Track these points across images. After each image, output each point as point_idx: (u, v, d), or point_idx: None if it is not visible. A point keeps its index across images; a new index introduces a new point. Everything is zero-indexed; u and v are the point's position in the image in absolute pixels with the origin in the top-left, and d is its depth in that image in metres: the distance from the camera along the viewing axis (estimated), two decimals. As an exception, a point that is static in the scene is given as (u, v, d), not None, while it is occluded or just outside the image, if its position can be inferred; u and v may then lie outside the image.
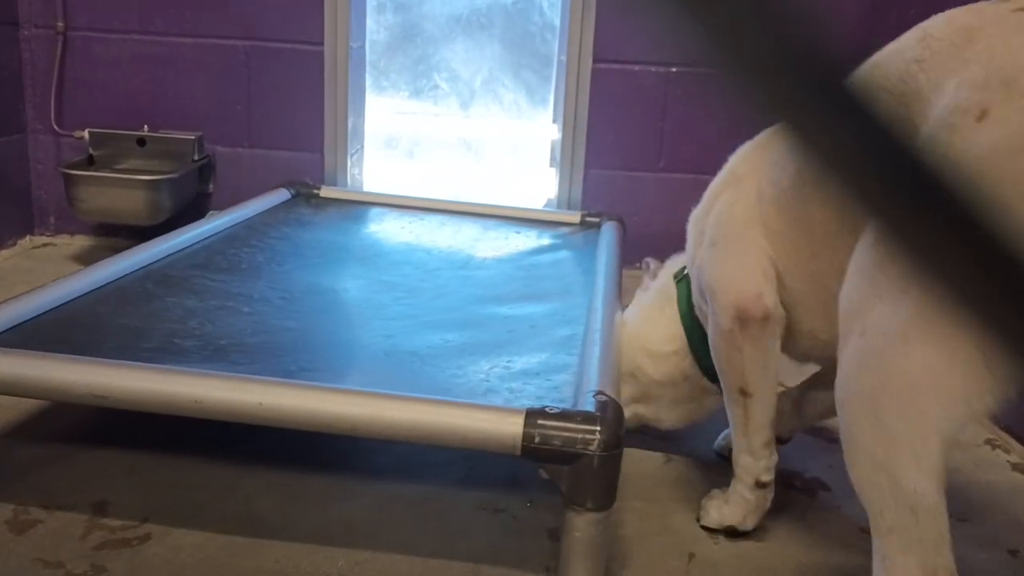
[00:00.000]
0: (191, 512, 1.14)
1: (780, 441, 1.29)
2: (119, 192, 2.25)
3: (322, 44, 2.34)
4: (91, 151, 2.36)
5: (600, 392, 1.03)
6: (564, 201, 2.40)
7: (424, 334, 1.34)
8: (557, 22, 2.51)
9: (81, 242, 2.46)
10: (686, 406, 1.34)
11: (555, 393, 1.11)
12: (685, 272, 1.29)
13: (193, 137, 2.36)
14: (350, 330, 1.37)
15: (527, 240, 1.99)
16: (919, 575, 0.81)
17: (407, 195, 2.26)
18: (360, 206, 2.19)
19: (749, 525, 1.17)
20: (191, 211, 2.35)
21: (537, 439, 0.94)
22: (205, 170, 2.43)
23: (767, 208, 1.10)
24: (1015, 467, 1.44)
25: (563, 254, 1.87)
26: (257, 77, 2.38)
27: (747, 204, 1.14)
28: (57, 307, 1.29)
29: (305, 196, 2.21)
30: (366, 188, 2.58)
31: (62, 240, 2.48)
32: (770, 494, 1.17)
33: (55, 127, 2.40)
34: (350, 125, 2.41)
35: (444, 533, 1.13)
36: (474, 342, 1.31)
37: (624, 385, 1.31)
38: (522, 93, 2.73)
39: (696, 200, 1.24)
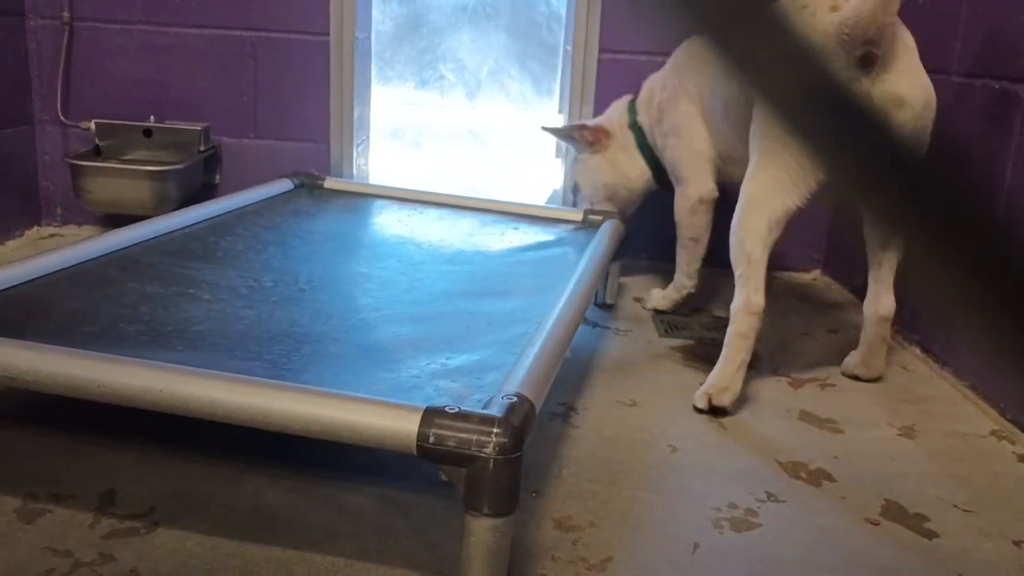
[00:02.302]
0: (199, 502, 1.15)
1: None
2: (125, 183, 2.26)
3: (328, 35, 2.34)
4: (98, 142, 2.37)
5: (515, 395, 1.00)
6: (570, 191, 2.40)
7: (379, 327, 1.33)
8: (563, 12, 2.50)
9: (88, 233, 2.47)
10: (632, 203, 2.19)
11: (478, 392, 1.08)
12: (637, 125, 2.07)
13: (199, 128, 2.36)
14: (304, 321, 1.34)
15: (522, 236, 1.95)
16: (741, 300, 1.56)
17: (412, 188, 2.23)
18: (362, 198, 2.16)
19: (666, 306, 2.07)
20: (197, 202, 2.36)
21: (432, 439, 0.92)
22: (211, 161, 2.43)
23: (713, 107, 1.84)
24: (1020, 458, 1.44)
25: (553, 251, 1.84)
26: (263, 68, 2.38)
27: (694, 110, 1.90)
28: (13, 287, 1.31)
29: (309, 187, 2.18)
30: (373, 180, 2.59)
31: (69, 231, 2.49)
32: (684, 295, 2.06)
33: (62, 118, 2.41)
34: (356, 116, 2.41)
35: (451, 523, 1.14)
36: (424, 337, 1.30)
37: (603, 196, 2.15)
38: (528, 83, 2.73)
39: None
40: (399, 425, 0.93)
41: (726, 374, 1.55)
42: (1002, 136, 1.63)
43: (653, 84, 2.07)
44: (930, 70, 1.93)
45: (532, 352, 1.16)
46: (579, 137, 2.12)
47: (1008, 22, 1.64)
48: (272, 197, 2.05)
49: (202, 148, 2.37)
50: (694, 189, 1.93)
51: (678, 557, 1.10)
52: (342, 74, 2.36)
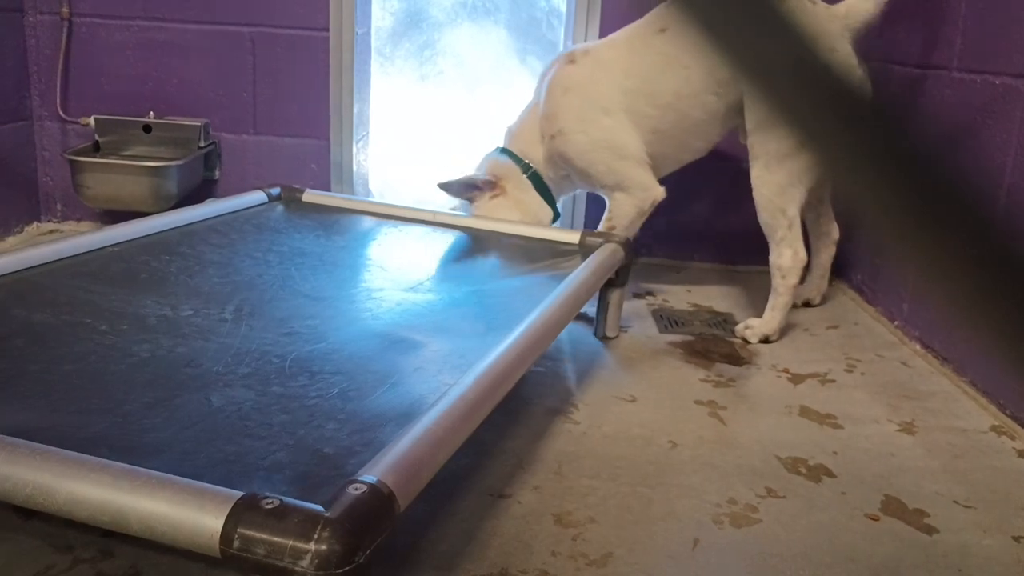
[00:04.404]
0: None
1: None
2: (125, 179, 2.26)
3: (327, 30, 2.34)
4: (97, 138, 2.36)
5: (370, 482, 0.77)
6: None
7: (284, 373, 1.12)
8: (563, 7, 2.49)
9: (87, 228, 2.47)
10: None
11: (343, 472, 0.85)
12: (532, 170, 2.00)
13: (199, 124, 2.36)
14: (204, 361, 1.13)
15: (506, 260, 1.73)
16: (790, 255, 1.86)
17: (398, 204, 2.05)
18: (341, 213, 1.97)
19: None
20: (197, 197, 2.36)
21: (237, 543, 0.70)
22: (211, 156, 2.43)
23: (642, 110, 1.89)
24: (1020, 454, 1.44)
25: (532, 279, 1.61)
26: (263, 63, 2.38)
27: (617, 122, 1.90)
28: None
29: (285, 201, 2.01)
30: (373, 178, 2.58)
31: (69, 227, 2.49)
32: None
33: (61, 114, 2.41)
34: (356, 111, 2.41)
35: (450, 519, 1.14)
36: (327, 388, 1.08)
37: (520, 217, 1.99)
38: (528, 79, 2.72)
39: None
40: (200, 521, 0.73)
41: (781, 318, 1.90)
42: (1003, 132, 1.63)
43: (528, 123, 2.01)
44: (931, 66, 1.94)
45: (429, 417, 0.93)
46: (482, 185, 2.00)
47: (1008, 17, 1.63)
48: (237, 212, 1.87)
49: (202, 144, 2.37)
50: (648, 194, 1.92)
51: (678, 552, 1.11)
52: (342, 70, 2.36)
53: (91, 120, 2.36)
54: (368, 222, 1.93)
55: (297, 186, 2.07)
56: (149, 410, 0.99)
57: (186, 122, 2.37)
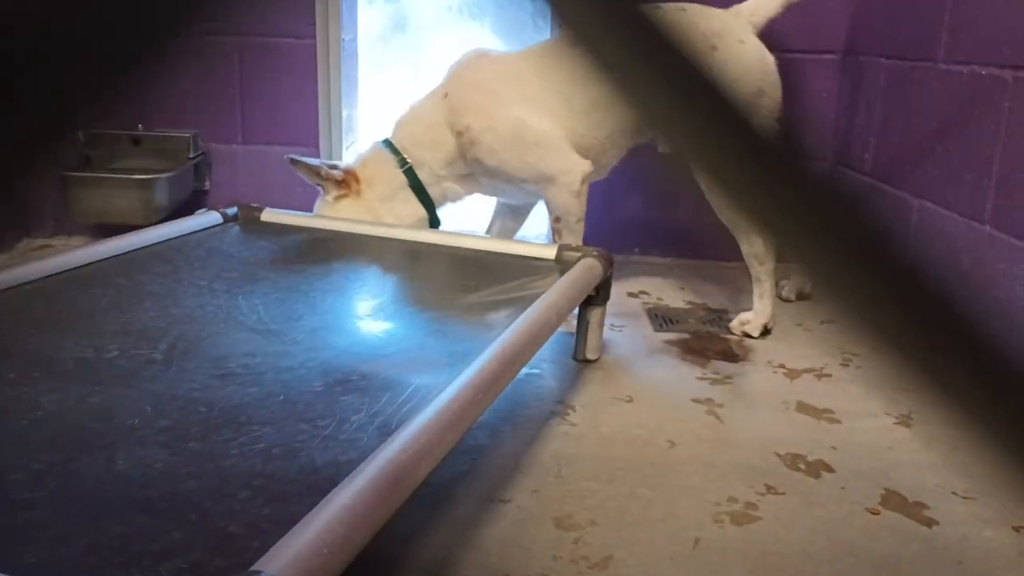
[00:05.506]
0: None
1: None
2: (114, 192, 2.25)
3: (314, 38, 2.33)
4: (86, 152, 2.36)
5: None
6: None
7: (203, 429, 0.98)
8: (548, 10, 2.49)
9: (79, 243, 2.46)
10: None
11: (240, 559, 0.72)
12: (408, 166, 1.88)
13: (188, 135, 2.35)
14: (116, 415, 1.00)
15: (477, 282, 1.60)
16: (760, 240, 1.86)
17: (357, 221, 1.88)
18: (300, 234, 1.82)
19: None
20: (188, 209, 2.35)
21: None
22: (201, 167, 2.43)
23: (563, 106, 1.84)
24: (1018, 443, 1.44)
25: (499, 304, 1.48)
26: (250, 72, 2.38)
27: (532, 111, 1.83)
28: None
29: (243, 221, 1.87)
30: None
31: (59, 241, 2.48)
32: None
33: (49, 128, 2.40)
34: (344, 117, 2.41)
35: (450, 524, 1.14)
36: (250, 447, 0.94)
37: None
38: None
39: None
40: None
41: (771, 304, 1.91)
42: (990, 123, 1.63)
43: (419, 114, 1.91)
44: (918, 58, 1.94)
45: (354, 487, 0.80)
46: (326, 176, 1.86)
47: (994, 8, 1.64)
48: (186, 235, 1.73)
49: (191, 155, 2.36)
50: (574, 174, 1.82)
51: (679, 553, 1.10)
52: (329, 76, 2.36)
53: (79, 134, 2.35)
54: (331, 242, 1.79)
55: (256, 204, 1.92)
56: (40, 478, 0.86)
57: (175, 133, 2.36)
